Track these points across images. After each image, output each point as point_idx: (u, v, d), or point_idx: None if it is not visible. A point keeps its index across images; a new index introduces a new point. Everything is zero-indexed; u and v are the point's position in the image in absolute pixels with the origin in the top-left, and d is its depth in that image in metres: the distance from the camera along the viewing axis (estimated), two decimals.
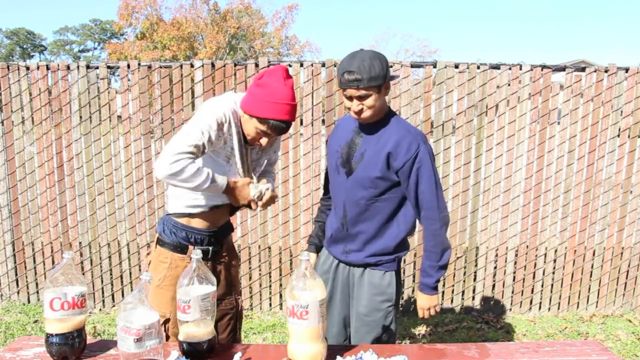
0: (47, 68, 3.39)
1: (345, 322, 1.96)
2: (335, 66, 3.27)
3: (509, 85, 3.33)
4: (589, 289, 3.59)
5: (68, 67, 3.39)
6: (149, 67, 3.35)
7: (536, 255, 3.54)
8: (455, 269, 3.60)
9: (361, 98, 1.66)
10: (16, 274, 3.66)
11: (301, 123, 3.34)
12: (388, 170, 1.73)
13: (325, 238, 2.01)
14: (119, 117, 3.48)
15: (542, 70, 3.31)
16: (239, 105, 1.68)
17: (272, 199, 1.81)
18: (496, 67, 3.32)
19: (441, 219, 1.78)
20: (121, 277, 3.59)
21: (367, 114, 1.69)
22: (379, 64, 1.64)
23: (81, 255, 3.57)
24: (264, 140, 1.68)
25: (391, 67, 3.32)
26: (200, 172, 1.56)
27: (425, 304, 1.86)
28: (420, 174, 1.72)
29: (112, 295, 3.63)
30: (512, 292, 3.58)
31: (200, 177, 1.56)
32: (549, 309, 3.60)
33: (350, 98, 1.68)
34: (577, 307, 3.61)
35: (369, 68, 1.62)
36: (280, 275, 3.54)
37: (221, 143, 1.67)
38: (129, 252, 3.56)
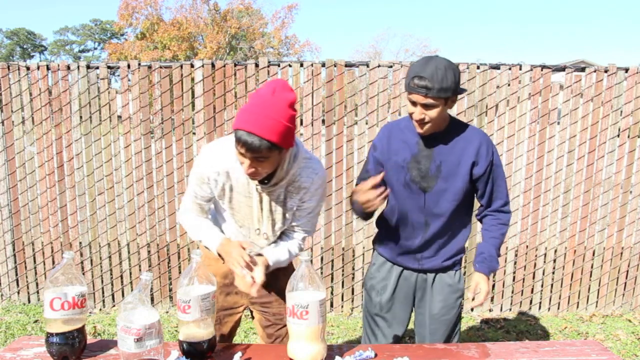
0: (48, 68, 3.39)
1: (404, 324, 1.92)
2: (335, 66, 3.27)
3: (508, 85, 3.33)
4: (589, 289, 3.59)
5: (68, 67, 3.40)
6: (149, 67, 3.35)
7: (536, 255, 3.54)
8: None
9: (426, 107, 1.56)
10: (16, 274, 3.66)
11: (301, 123, 3.34)
12: (470, 178, 1.70)
13: (385, 248, 1.90)
14: (119, 117, 3.48)
15: (542, 70, 3.31)
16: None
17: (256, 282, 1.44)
18: (496, 67, 3.32)
19: (509, 209, 1.83)
20: (121, 277, 3.60)
21: (428, 126, 1.60)
22: (452, 76, 1.53)
23: (81, 255, 3.57)
24: (245, 166, 1.36)
25: (392, 67, 3.31)
26: (197, 231, 1.63)
27: (487, 287, 1.79)
28: (497, 173, 1.74)
29: (112, 295, 3.63)
30: (512, 292, 3.59)
31: (196, 235, 1.64)
32: (549, 309, 3.60)
33: (414, 104, 1.58)
34: (577, 307, 3.61)
35: (442, 78, 1.51)
36: None
37: (224, 191, 1.54)
38: (129, 252, 3.56)
